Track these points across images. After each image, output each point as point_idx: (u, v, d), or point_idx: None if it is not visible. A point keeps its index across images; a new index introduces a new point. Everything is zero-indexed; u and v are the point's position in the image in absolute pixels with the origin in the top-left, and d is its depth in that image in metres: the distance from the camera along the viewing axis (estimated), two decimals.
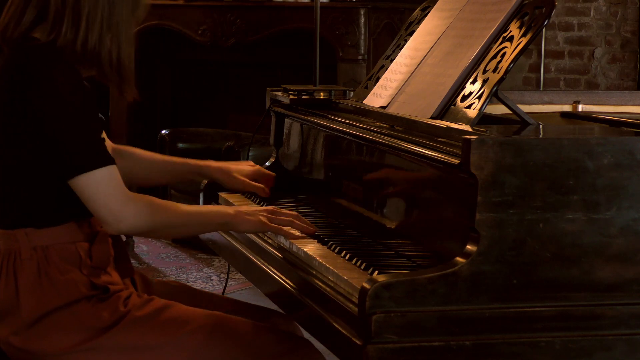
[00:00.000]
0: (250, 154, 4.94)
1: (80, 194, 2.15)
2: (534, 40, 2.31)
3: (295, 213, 2.38)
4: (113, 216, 2.14)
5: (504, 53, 2.27)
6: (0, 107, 2.20)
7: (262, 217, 2.31)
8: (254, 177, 2.73)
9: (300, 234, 2.35)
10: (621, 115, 2.72)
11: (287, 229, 2.33)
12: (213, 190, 2.96)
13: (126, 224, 2.16)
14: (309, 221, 2.39)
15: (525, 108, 2.55)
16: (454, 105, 2.32)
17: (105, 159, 2.15)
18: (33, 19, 2.21)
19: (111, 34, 2.20)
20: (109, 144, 2.47)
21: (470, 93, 2.28)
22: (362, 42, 6.14)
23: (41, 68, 2.13)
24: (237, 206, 2.53)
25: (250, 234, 2.53)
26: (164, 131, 6.27)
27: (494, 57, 2.29)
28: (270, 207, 2.38)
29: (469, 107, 2.26)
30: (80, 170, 2.13)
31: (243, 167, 2.72)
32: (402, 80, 2.59)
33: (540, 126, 2.23)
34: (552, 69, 6.77)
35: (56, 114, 2.12)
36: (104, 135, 2.29)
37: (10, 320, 2.19)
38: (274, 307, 2.44)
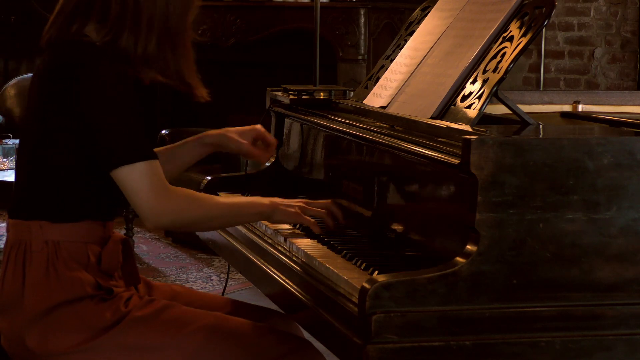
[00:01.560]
0: None
1: (121, 186, 2.17)
2: (534, 40, 2.31)
3: (329, 201, 2.45)
4: (153, 210, 2.16)
5: (504, 53, 2.27)
6: (43, 98, 2.21)
7: (297, 209, 2.37)
8: (253, 137, 2.65)
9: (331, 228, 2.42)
10: (621, 115, 2.72)
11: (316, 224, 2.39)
12: (213, 190, 2.95)
13: (166, 218, 2.19)
14: (340, 212, 2.46)
15: (525, 108, 2.55)
16: (454, 105, 2.32)
17: (149, 153, 2.17)
18: (89, 20, 2.23)
19: (170, 40, 2.24)
20: None
21: (470, 93, 2.28)
22: (362, 42, 6.14)
23: (88, 62, 2.16)
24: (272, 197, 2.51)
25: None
26: (164, 131, 6.27)
27: (494, 57, 2.29)
28: (304, 200, 2.44)
29: (469, 107, 2.26)
30: (123, 161, 2.14)
31: (242, 128, 2.66)
32: (402, 80, 2.59)
33: (540, 126, 2.23)
34: (552, 69, 6.77)
35: (102, 107, 2.14)
36: None
37: (14, 313, 2.19)
38: (274, 307, 2.44)
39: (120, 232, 5.02)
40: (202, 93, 2.36)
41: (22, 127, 2.31)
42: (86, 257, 2.22)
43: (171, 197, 2.18)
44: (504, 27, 2.34)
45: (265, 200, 2.38)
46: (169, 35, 2.25)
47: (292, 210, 2.37)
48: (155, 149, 2.54)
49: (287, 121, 3.05)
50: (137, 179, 2.15)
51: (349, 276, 2.05)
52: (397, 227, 2.30)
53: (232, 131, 2.64)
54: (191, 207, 2.21)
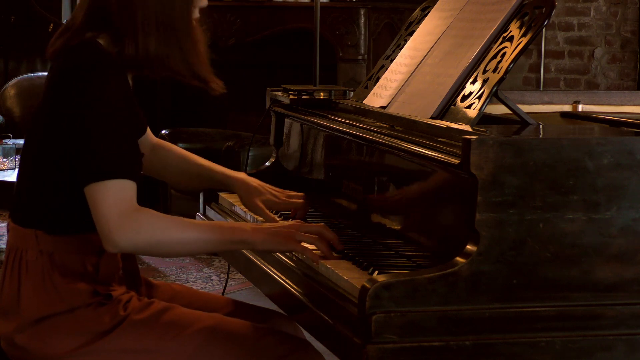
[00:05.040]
0: (250, 154, 4.95)
1: (89, 204, 2.09)
2: (534, 40, 2.31)
3: (321, 225, 2.20)
4: (111, 230, 2.05)
5: (504, 53, 2.27)
6: (48, 103, 2.18)
7: (286, 233, 2.16)
8: (278, 208, 2.57)
9: (328, 254, 2.17)
10: (621, 115, 2.72)
11: (312, 248, 2.17)
12: (213, 190, 2.95)
13: (125, 238, 2.05)
14: (335, 236, 2.21)
15: (525, 108, 2.55)
16: (454, 105, 2.32)
17: (119, 172, 2.07)
18: (95, 28, 2.20)
19: (174, 35, 2.22)
20: (150, 137, 2.55)
21: (470, 93, 2.28)
22: (362, 42, 6.14)
23: (94, 68, 2.12)
24: (255, 223, 2.38)
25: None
26: (164, 131, 6.26)
27: (494, 57, 2.29)
28: (294, 222, 2.22)
29: (469, 107, 2.26)
30: (91, 178, 2.07)
31: (268, 195, 2.54)
32: (402, 80, 2.59)
33: (540, 126, 2.23)
34: (552, 69, 6.78)
35: (94, 117, 2.08)
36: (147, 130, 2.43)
37: (12, 317, 2.19)
38: (274, 307, 2.44)
39: None
40: (217, 86, 2.31)
41: (28, 130, 2.27)
42: (83, 268, 2.19)
43: (132, 217, 2.05)
44: (504, 27, 2.34)
45: (247, 226, 2.19)
46: (172, 31, 2.21)
47: (283, 239, 2.14)
48: (177, 151, 2.56)
49: (287, 121, 3.05)
50: (98, 197, 2.05)
51: (349, 276, 2.05)
52: (397, 227, 2.30)
53: (256, 194, 2.52)
54: (153, 228, 2.07)
